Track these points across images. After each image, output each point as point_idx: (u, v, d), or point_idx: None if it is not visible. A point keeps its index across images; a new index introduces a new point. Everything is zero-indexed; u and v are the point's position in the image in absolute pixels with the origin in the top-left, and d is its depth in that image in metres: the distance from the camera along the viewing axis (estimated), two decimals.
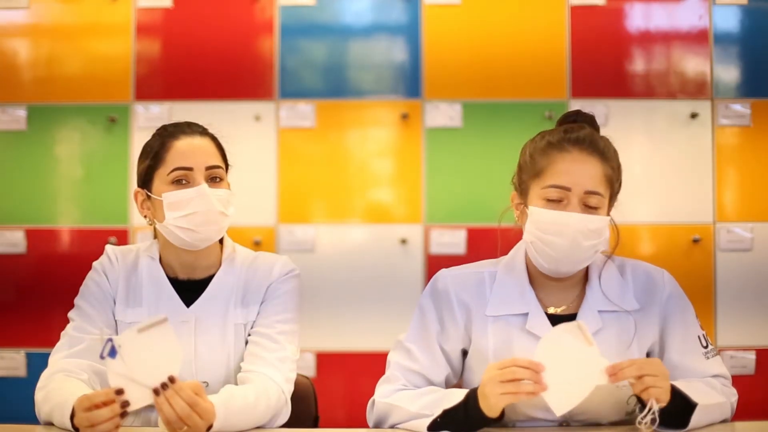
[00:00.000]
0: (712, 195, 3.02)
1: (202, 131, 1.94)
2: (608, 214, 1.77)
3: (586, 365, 1.58)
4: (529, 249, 1.77)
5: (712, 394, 1.72)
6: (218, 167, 1.90)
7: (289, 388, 1.87)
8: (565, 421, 1.75)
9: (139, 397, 1.57)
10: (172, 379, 1.57)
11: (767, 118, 3.04)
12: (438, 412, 1.67)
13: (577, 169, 1.72)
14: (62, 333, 1.90)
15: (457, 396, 1.68)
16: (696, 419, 1.65)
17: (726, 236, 3.00)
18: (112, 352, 1.56)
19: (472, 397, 1.64)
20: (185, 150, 1.88)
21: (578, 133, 1.77)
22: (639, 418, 1.60)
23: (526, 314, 1.78)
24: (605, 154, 1.76)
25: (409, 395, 1.76)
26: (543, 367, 1.57)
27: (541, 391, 1.56)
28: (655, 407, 1.59)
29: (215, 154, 1.91)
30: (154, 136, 1.95)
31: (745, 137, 3.05)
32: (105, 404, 1.56)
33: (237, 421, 1.71)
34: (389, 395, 1.78)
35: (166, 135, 1.92)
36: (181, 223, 1.86)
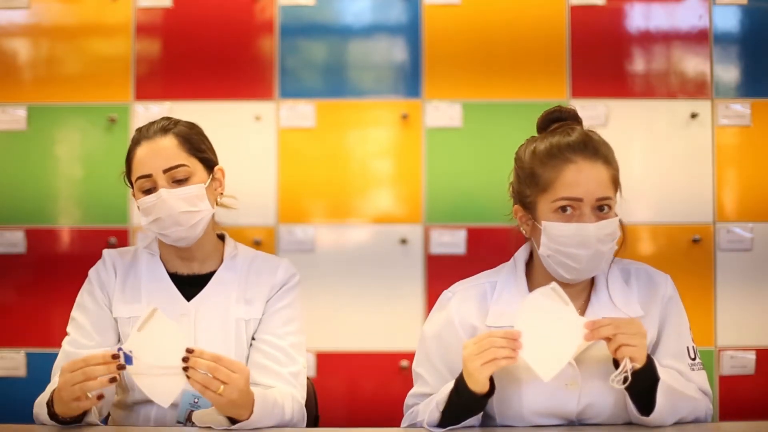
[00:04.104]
0: (711, 195, 3.02)
1: (166, 129, 1.93)
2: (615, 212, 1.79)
3: (565, 326, 1.60)
4: (546, 262, 1.75)
5: (688, 387, 1.72)
6: (179, 166, 1.90)
7: (304, 401, 1.92)
8: (575, 421, 1.75)
9: (172, 388, 1.60)
10: (190, 350, 1.61)
11: (767, 118, 3.04)
12: (436, 414, 1.69)
13: (585, 179, 1.71)
14: (61, 349, 1.92)
15: (447, 386, 1.70)
16: (663, 403, 1.64)
17: (726, 236, 3.00)
18: (128, 359, 1.59)
19: (460, 381, 1.66)
20: (143, 157, 1.90)
21: (574, 137, 1.75)
22: (612, 376, 1.61)
23: None
24: (607, 156, 1.75)
25: (420, 408, 1.80)
26: (519, 333, 1.59)
27: (516, 355, 1.58)
28: (629, 366, 1.59)
29: (176, 153, 1.90)
30: (131, 139, 1.98)
31: (745, 137, 3.04)
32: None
33: (271, 417, 1.75)
34: (408, 419, 1.83)
35: (133, 141, 1.95)
36: (153, 228, 1.91)
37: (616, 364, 1.63)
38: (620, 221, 1.77)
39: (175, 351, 1.60)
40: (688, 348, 1.80)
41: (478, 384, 1.63)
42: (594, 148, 1.74)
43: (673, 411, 1.68)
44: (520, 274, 1.84)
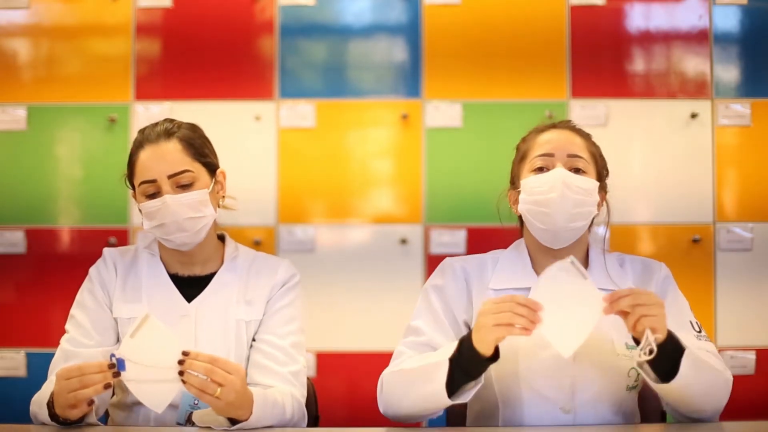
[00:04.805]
0: (711, 195, 3.02)
1: (169, 133, 1.92)
2: (600, 202, 1.85)
3: (583, 300, 1.58)
4: (527, 220, 1.84)
5: (708, 356, 1.71)
6: (184, 172, 1.89)
7: (304, 400, 1.91)
8: (566, 406, 1.75)
9: (165, 393, 1.59)
10: (185, 353, 1.60)
11: (767, 118, 3.04)
12: (446, 367, 1.65)
13: (557, 138, 1.85)
14: (59, 347, 1.91)
15: (453, 344, 1.69)
16: (687, 369, 1.61)
17: (726, 236, 3.00)
18: (121, 365, 1.58)
19: (466, 339, 1.66)
20: (147, 161, 1.89)
21: (556, 121, 1.92)
22: (638, 350, 1.59)
23: (528, 288, 1.81)
24: (583, 133, 1.89)
25: (413, 359, 1.78)
26: (541, 305, 1.58)
27: (533, 328, 1.57)
28: (651, 337, 1.57)
29: (180, 159, 1.90)
30: (134, 140, 1.96)
31: (745, 137, 3.04)
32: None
33: (271, 416, 1.75)
34: (395, 366, 1.81)
35: (135, 144, 1.94)
36: (156, 233, 1.91)
37: (636, 341, 1.62)
38: (607, 203, 1.87)
39: (169, 356, 1.59)
40: (691, 322, 1.82)
41: (483, 343, 1.61)
42: (570, 124, 1.89)
43: (697, 378, 1.64)
44: (522, 249, 1.92)
